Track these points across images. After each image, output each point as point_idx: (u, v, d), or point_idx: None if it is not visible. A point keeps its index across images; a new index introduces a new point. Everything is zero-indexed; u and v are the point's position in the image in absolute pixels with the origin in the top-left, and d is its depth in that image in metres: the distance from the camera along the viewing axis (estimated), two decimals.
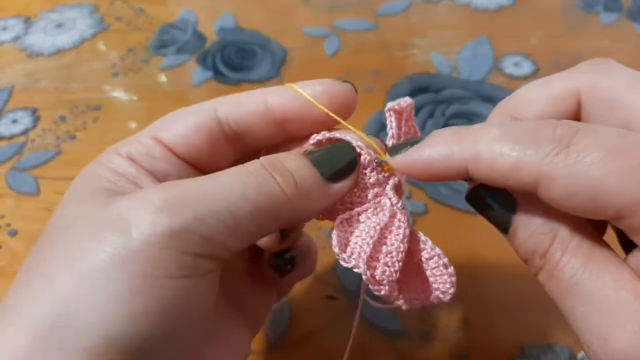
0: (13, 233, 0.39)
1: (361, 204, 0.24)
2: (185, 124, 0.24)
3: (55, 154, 0.44)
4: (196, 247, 0.19)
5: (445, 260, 0.23)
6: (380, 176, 0.23)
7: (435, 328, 0.33)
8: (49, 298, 0.18)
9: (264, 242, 0.28)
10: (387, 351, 0.32)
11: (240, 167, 0.21)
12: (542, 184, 0.19)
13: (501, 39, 0.52)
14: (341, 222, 0.23)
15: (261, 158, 0.22)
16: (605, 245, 0.20)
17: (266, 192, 0.20)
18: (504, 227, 0.21)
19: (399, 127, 0.24)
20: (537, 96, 0.23)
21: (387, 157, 0.23)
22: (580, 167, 0.18)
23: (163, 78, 0.50)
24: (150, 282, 0.18)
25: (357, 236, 0.23)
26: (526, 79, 0.48)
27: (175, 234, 0.19)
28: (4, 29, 0.55)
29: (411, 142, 0.22)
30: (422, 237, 0.23)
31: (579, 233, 0.20)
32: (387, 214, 0.23)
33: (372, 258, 0.23)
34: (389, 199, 0.23)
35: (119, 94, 0.48)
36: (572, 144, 0.18)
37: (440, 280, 0.23)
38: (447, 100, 0.47)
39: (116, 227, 0.19)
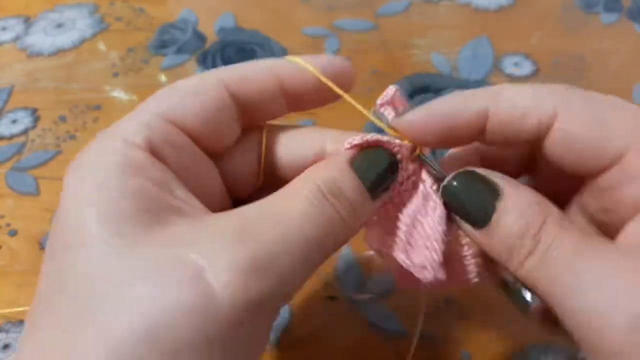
0: (13, 233, 0.39)
1: (398, 195, 0.23)
2: (201, 105, 0.21)
3: (55, 154, 0.44)
4: (276, 314, 0.19)
5: (472, 250, 0.23)
6: (414, 165, 0.23)
7: (435, 328, 0.33)
8: None
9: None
10: (387, 351, 0.32)
11: (303, 197, 0.19)
12: (561, 115, 0.19)
13: (501, 39, 0.52)
14: (378, 219, 0.23)
15: (318, 180, 0.20)
16: (594, 230, 0.20)
17: (335, 233, 0.19)
18: (484, 218, 0.20)
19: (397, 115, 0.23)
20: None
21: (394, 121, 0.22)
22: (592, 100, 0.19)
23: (163, 78, 0.50)
24: (237, 354, 0.17)
25: (392, 226, 0.23)
26: (526, 79, 0.48)
27: (264, 302, 0.17)
28: (4, 29, 0.55)
29: (416, 105, 0.21)
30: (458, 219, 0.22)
31: (567, 218, 0.20)
32: (421, 198, 0.23)
33: (410, 244, 0.22)
34: (423, 181, 0.23)
35: (119, 94, 0.48)
36: (578, 89, 0.20)
37: (470, 264, 0.23)
38: None
39: (192, 285, 0.16)
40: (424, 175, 0.23)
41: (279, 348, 0.33)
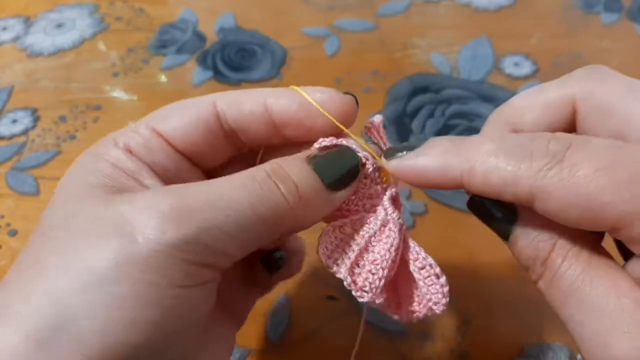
0: (13, 233, 0.39)
1: (357, 212, 0.24)
2: (183, 117, 0.23)
3: (55, 154, 0.44)
4: (201, 257, 0.19)
5: (438, 270, 0.23)
6: (379, 187, 0.24)
7: (435, 328, 0.33)
8: (47, 299, 0.18)
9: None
10: (387, 351, 0.32)
11: (246, 173, 0.21)
12: (538, 198, 0.19)
13: (501, 39, 0.52)
14: (333, 229, 0.23)
15: (266, 165, 0.21)
16: (604, 252, 0.20)
17: (271, 202, 0.20)
18: (505, 235, 0.21)
19: (380, 138, 0.25)
20: (532, 104, 0.23)
21: (382, 161, 0.23)
22: (574, 181, 0.18)
23: (163, 78, 0.50)
24: (154, 290, 0.18)
25: (344, 242, 0.23)
26: (526, 79, 0.48)
27: (181, 244, 0.18)
28: (4, 29, 0.55)
29: (408, 147, 0.22)
30: (416, 246, 0.23)
31: (579, 241, 0.20)
32: (379, 223, 0.23)
33: (357, 265, 0.23)
34: (385, 208, 0.23)
35: (119, 94, 0.48)
36: (565, 158, 0.18)
37: (433, 290, 0.23)
38: (447, 100, 0.47)
39: (120, 231, 0.19)
40: (386, 201, 0.23)
41: (279, 348, 0.33)
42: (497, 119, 0.24)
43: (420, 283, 0.23)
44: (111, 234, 0.19)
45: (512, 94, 0.47)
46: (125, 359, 0.18)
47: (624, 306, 0.18)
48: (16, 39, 0.54)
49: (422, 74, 0.49)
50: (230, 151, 0.25)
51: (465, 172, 0.20)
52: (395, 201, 0.24)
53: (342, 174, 0.22)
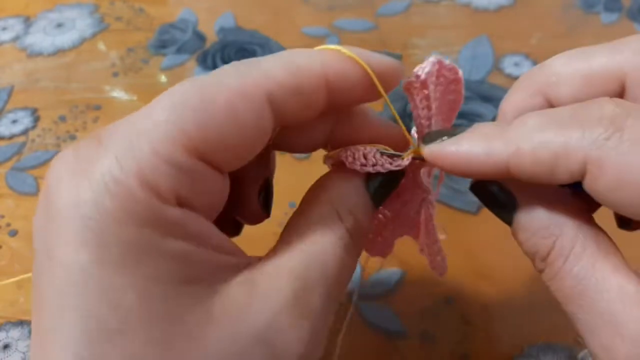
0: (13, 233, 0.39)
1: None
2: (239, 131, 0.16)
3: (55, 154, 0.43)
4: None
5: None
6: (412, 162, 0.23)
7: (435, 328, 0.33)
8: None
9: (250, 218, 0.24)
10: (387, 351, 0.32)
11: (334, 239, 0.19)
12: (590, 172, 0.16)
13: (501, 39, 0.52)
14: None
15: (341, 212, 0.19)
16: (612, 248, 0.19)
17: (352, 267, 0.20)
18: (508, 222, 0.20)
19: (427, 106, 0.21)
20: (573, 72, 0.20)
21: (421, 147, 0.21)
22: (635, 155, 0.15)
23: (163, 78, 0.50)
24: None
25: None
26: None
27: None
28: (4, 29, 0.55)
29: (449, 133, 0.20)
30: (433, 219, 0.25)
31: (583, 236, 0.18)
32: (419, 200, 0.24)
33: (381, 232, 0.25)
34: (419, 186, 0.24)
35: (119, 94, 0.48)
36: (625, 127, 0.16)
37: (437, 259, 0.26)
38: None
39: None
40: (423, 175, 0.24)
41: None
42: (527, 86, 0.21)
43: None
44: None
45: None
46: None
47: (628, 311, 0.17)
48: (16, 39, 0.54)
49: None
50: (265, 143, 0.19)
51: (512, 154, 0.18)
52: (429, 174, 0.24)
53: (388, 194, 0.22)
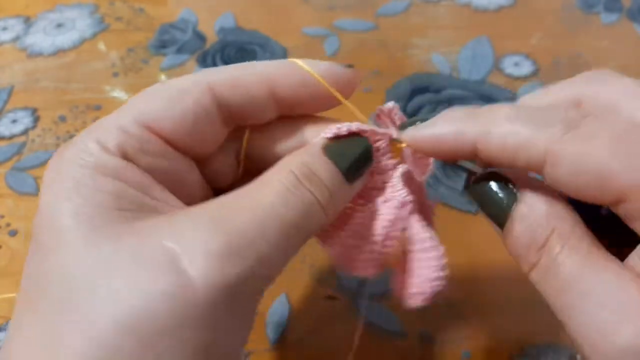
0: (13, 233, 0.39)
1: (369, 190, 0.24)
2: (182, 110, 0.20)
3: None
4: (258, 296, 0.19)
5: (435, 242, 0.23)
6: (389, 162, 0.23)
7: (435, 328, 0.33)
8: None
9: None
10: (387, 351, 0.32)
11: (277, 182, 0.19)
12: (550, 162, 0.19)
13: (501, 39, 0.52)
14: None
15: (292, 167, 0.20)
16: (601, 245, 0.20)
17: (312, 216, 0.20)
18: (501, 220, 0.21)
19: (393, 123, 0.24)
20: (538, 104, 0.23)
21: (399, 134, 0.23)
22: (588, 147, 0.18)
23: (163, 78, 0.50)
24: (213, 349, 0.17)
25: (343, 220, 0.23)
26: (526, 79, 0.48)
27: (241, 285, 0.17)
28: (4, 29, 0.55)
29: (423, 119, 0.22)
30: (419, 222, 0.23)
31: (579, 228, 0.19)
32: (396, 204, 0.23)
33: (341, 236, 0.23)
34: (392, 185, 0.23)
35: (119, 94, 0.48)
36: (581, 125, 0.18)
37: (431, 263, 0.23)
38: (447, 100, 0.47)
39: (169, 273, 0.16)
40: (396, 178, 0.23)
41: (279, 348, 0.33)
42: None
43: (418, 258, 0.23)
44: (161, 279, 0.16)
45: (512, 94, 0.47)
46: None
47: (628, 295, 0.18)
48: (16, 39, 0.54)
49: (422, 74, 0.49)
50: (223, 135, 0.23)
51: (482, 136, 0.20)
52: (409, 179, 0.24)
53: (359, 165, 0.22)
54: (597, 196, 0.18)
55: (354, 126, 0.22)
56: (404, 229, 0.23)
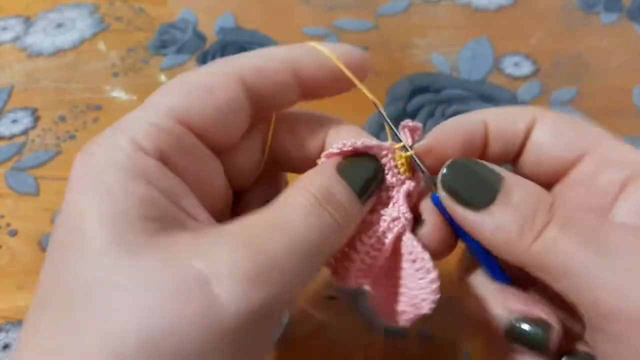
0: (13, 233, 0.39)
1: (375, 204, 0.23)
2: (214, 103, 0.20)
3: (55, 154, 0.44)
4: (278, 319, 0.19)
5: (430, 265, 0.21)
6: (395, 179, 0.23)
7: (435, 328, 0.33)
8: None
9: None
10: (387, 351, 0.32)
11: (300, 204, 0.19)
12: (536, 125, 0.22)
13: (501, 39, 0.52)
14: None
15: (312, 188, 0.20)
16: None
17: (332, 237, 0.20)
18: (488, 197, 0.20)
19: (411, 138, 0.24)
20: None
21: (415, 146, 0.23)
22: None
23: (163, 78, 0.50)
24: None
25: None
26: (526, 79, 0.48)
27: (265, 309, 0.17)
28: (4, 29, 0.55)
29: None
30: (413, 241, 0.22)
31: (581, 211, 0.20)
32: (388, 219, 0.23)
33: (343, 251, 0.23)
34: (395, 202, 0.23)
35: (119, 94, 0.48)
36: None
37: (422, 284, 0.22)
38: (447, 100, 0.47)
39: (195, 294, 0.16)
40: (401, 194, 0.23)
41: (279, 348, 0.33)
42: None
43: (410, 277, 0.22)
44: (186, 299, 0.16)
45: (512, 94, 0.47)
46: None
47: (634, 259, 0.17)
48: (16, 39, 0.54)
49: (422, 74, 0.49)
50: (248, 122, 0.23)
51: (489, 114, 0.23)
52: (410, 196, 0.23)
53: (370, 185, 0.22)
54: (562, 157, 0.22)
55: (360, 143, 0.22)
56: (395, 244, 0.23)
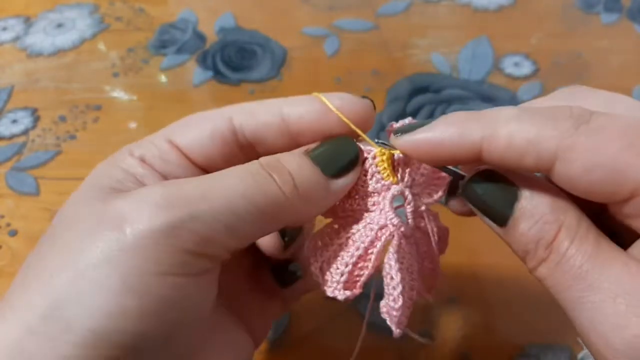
0: (13, 233, 0.39)
1: (360, 211, 0.23)
2: (200, 130, 0.23)
3: (55, 154, 0.44)
4: (192, 245, 0.19)
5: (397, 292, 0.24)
6: (380, 185, 0.23)
7: (435, 328, 0.33)
8: (43, 292, 0.18)
9: (267, 248, 0.27)
10: (387, 351, 0.32)
11: (239, 167, 0.21)
12: (562, 158, 0.18)
13: (501, 39, 0.52)
14: (325, 227, 0.24)
15: (260, 158, 0.21)
16: (606, 237, 0.20)
17: (265, 192, 0.20)
18: (503, 218, 0.20)
19: None
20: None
21: (393, 138, 0.22)
22: (601, 141, 0.18)
23: (163, 78, 0.50)
24: (143, 279, 0.18)
25: (330, 240, 0.24)
26: (526, 79, 0.48)
27: (170, 231, 0.19)
28: (4, 29, 0.55)
29: (420, 124, 0.21)
30: (391, 260, 0.23)
31: (585, 222, 0.19)
32: (376, 227, 0.23)
33: (331, 260, 0.24)
34: (382, 209, 0.23)
35: (119, 94, 0.48)
36: (591, 120, 0.18)
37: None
38: (447, 100, 0.47)
39: (112, 224, 0.19)
40: (387, 199, 0.23)
41: (278, 348, 0.33)
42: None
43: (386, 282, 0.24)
44: (105, 227, 0.19)
45: (512, 94, 0.47)
46: (120, 345, 0.18)
47: (637, 288, 0.17)
48: (16, 39, 0.54)
49: (422, 74, 0.49)
50: (240, 159, 0.24)
51: (487, 137, 0.19)
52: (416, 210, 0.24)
53: (342, 161, 0.22)
54: (610, 192, 0.18)
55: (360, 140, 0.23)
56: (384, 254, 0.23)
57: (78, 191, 0.22)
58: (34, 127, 0.46)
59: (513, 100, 0.46)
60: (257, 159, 0.24)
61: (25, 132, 0.45)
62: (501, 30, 0.53)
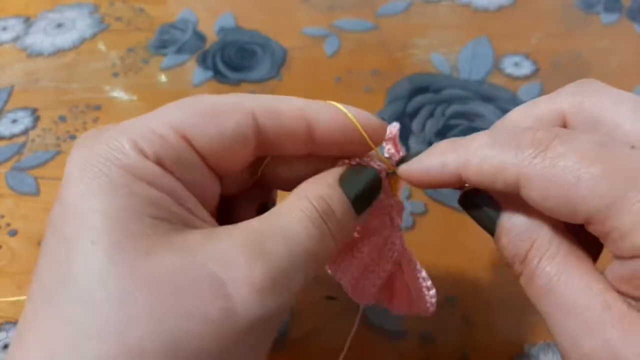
0: (13, 233, 0.39)
1: (373, 225, 0.26)
2: (220, 128, 0.20)
3: (55, 154, 0.44)
4: (282, 321, 0.21)
5: (429, 283, 0.26)
6: (389, 201, 0.25)
7: (435, 328, 0.33)
8: None
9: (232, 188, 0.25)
10: (387, 351, 0.32)
11: (299, 212, 0.20)
12: (522, 185, 0.19)
13: (501, 39, 0.52)
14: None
15: (311, 198, 0.21)
16: (583, 254, 0.20)
17: (326, 247, 0.21)
18: (491, 231, 0.22)
19: (396, 150, 0.26)
20: (524, 118, 0.24)
21: (397, 169, 0.24)
22: (554, 171, 0.19)
23: (163, 78, 0.50)
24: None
25: (349, 251, 0.25)
26: (526, 79, 0.48)
27: (276, 315, 0.19)
28: (4, 29, 0.55)
29: (414, 154, 0.24)
30: (416, 262, 0.26)
31: (558, 240, 0.20)
32: (384, 234, 0.25)
33: (358, 274, 0.26)
34: (391, 219, 0.25)
35: (119, 94, 0.48)
36: (549, 148, 0.19)
37: (424, 299, 0.26)
38: (447, 100, 0.47)
39: (214, 294, 0.17)
40: (394, 212, 0.26)
41: (279, 348, 0.33)
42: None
43: (414, 293, 0.26)
44: (204, 295, 0.17)
45: (512, 94, 0.47)
46: None
47: (592, 307, 0.18)
48: (16, 39, 0.54)
49: (422, 74, 0.49)
50: (252, 158, 0.23)
51: (461, 165, 0.21)
52: (397, 208, 0.26)
53: (371, 198, 0.23)
54: (569, 217, 0.19)
55: (368, 161, 0.24)
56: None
57: (84, 205, 0.17)
58: (34, 127, 0.46)
59: (513, 100, 0.46)
60: (256, 159, 0.24)
61: (25, 132, 0.45)
62: (501, 30, 0.53)
